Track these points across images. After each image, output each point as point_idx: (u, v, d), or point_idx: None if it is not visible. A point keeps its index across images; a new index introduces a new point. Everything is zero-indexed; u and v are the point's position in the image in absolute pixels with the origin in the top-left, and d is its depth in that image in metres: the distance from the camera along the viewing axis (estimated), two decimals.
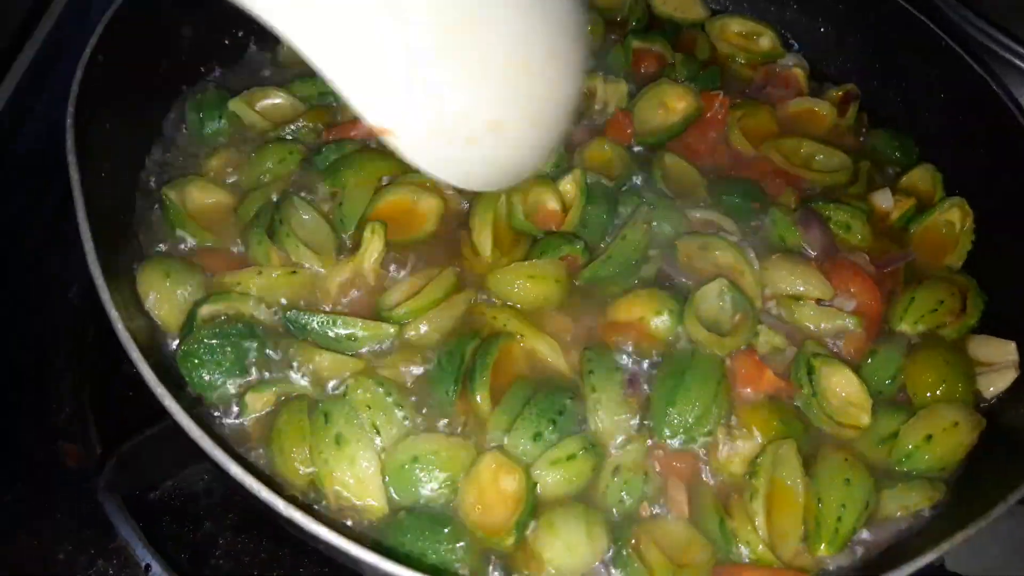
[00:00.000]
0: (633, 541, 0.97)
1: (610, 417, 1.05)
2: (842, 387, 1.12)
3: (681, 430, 1.05)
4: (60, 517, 1.16)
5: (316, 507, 0.98)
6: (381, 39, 0.81)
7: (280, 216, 1.15)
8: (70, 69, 1.07)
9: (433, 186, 1.22)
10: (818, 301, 1.20)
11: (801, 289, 1.20)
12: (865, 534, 1.04)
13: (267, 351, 1.07)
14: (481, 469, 0.98)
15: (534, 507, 0.98)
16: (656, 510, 1.02)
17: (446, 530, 0.95)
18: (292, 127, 1.30)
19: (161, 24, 1.28)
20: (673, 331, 1.14)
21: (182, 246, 1.17)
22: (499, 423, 1.02)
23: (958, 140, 1.43)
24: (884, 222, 1.37)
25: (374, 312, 1.11)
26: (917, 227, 1.36)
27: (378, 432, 1.01)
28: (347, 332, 1.07)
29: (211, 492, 1.17)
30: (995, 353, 1.20)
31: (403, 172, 1.22)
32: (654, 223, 1.23)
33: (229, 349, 1.04)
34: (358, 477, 0.97)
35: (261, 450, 1.02)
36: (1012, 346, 1.20)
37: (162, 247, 1.17)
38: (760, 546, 0.98)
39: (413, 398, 1.06)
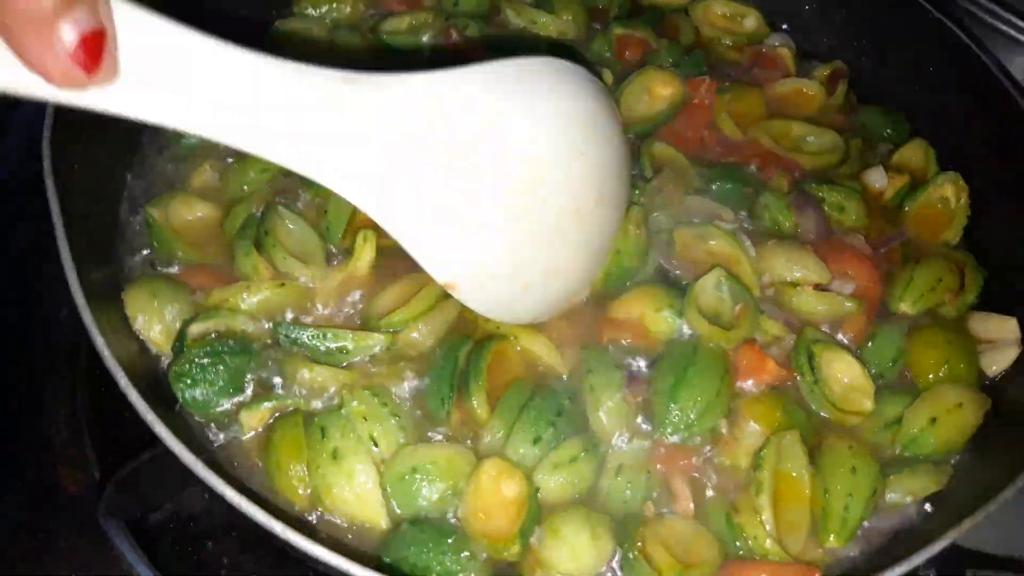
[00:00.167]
0: (639, 543, 0.96)
1: (611, 417, 1.04)
2: (844, 373, 1.11)
3: (683, 426, 1.03)
4: (63, 543, 1.15)
5: (316, 524, 0.97)
6: (450, 204, 0.87)
7: (265, 227, 1.14)
8: None
9: None
10: (816, 286, 1.18)
11: (798, 275, 1.18)
12: (873, 522, 1.02)
13: (260, 367, 1.06)
14: (481, 476, 0.97)
15: (537, 513, 0.97)
16: (661, 509, 1.01)
17: (449, 541, 0.94)
18: None
19: None
20: (674, 327, 1.12)
21: (169, 265, 1.15)
22: (497, 428, 1.01)
23: (949, 114, 1.41)
24: (878, 201, 1.35)
25: (364, 321, 1.10)
26: (912, 204, 1.34)
27: (375, 444, 0.99)
28: (338, 345, 1.05)
29: (212, 512, 1.16)
30: (996, 330, 1.19)
31: None
32: (653, 214, 1.21)
33: (221, 367, 1.03)
34: (357, 492, 0.96)
35: (260, 466, 1.01)
36: (1013, 322, 1.18)
37: (148, 267, 1.15)
38: (768, 541, 0.96)
39: (409, 407, 1.04)
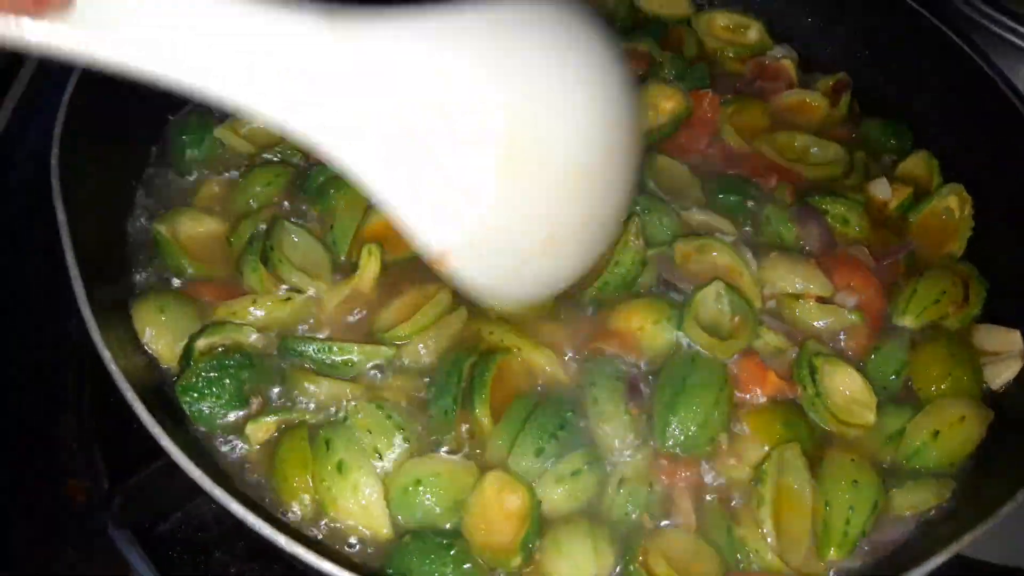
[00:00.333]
0: (641, 556, 0.96)
1: (613, 428, 1.04)
2: (846, 385, 1.11)
3: (683, 438, 1.04)
4: (73, 553, 1.16)
5: (321, 536, 0.98)
6: (443, 164, 0.79)
7: (272, 242, 1.15)
8: (54, 104, 1.07)
9: None
10: (818, 299, 1.19)
11: (800, 287, 1.19)
12: (874, 536, 1.02)
13: (266, 380, 1.07)
14: (484, 488, 0.98)
15: (539, 525, 0.97)
16: (663, 521, 1.01)
17: (452, 552, 0.94)
18: (278, 148, 1.30)
19: None
20: (673, 338, 1.13)
21: (177, 279, 1.16)
22: (501, 440, 1.02)
23: (953, 124, 1.42)
24: (882, 212, 1.36)
25: (369, 334, 1.11)
26: (916, 216, 1.35)
27: (380, 456, 1.00)
28: (343, 358, 1.06)
29: (220, 521, 1.17)
30: (1000, 342, 1.19)
31: None
32: (648, 229, 1.22)
33: (228, 381, 1.04)
34: (361, 504, 0.97)
35: (266, 478, 1.03)
36: (1017, 335, 1.18)
37: (156, 281, 1.16)
38: (769, 554, 0.97)
39: (414, 419, 1.05)
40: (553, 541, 0.96)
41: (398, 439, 1.02)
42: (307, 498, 0.99)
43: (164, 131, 1.32)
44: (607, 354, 1.11)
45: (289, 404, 1.06)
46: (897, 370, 1.15)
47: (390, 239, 1.18)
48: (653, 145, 1.38)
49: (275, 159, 1.29)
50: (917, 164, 1.42)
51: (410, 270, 1.17)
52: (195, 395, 1.03)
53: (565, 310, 1.15)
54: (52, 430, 1.25)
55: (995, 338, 1.20)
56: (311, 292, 1.13)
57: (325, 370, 1.07)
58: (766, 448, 1.05)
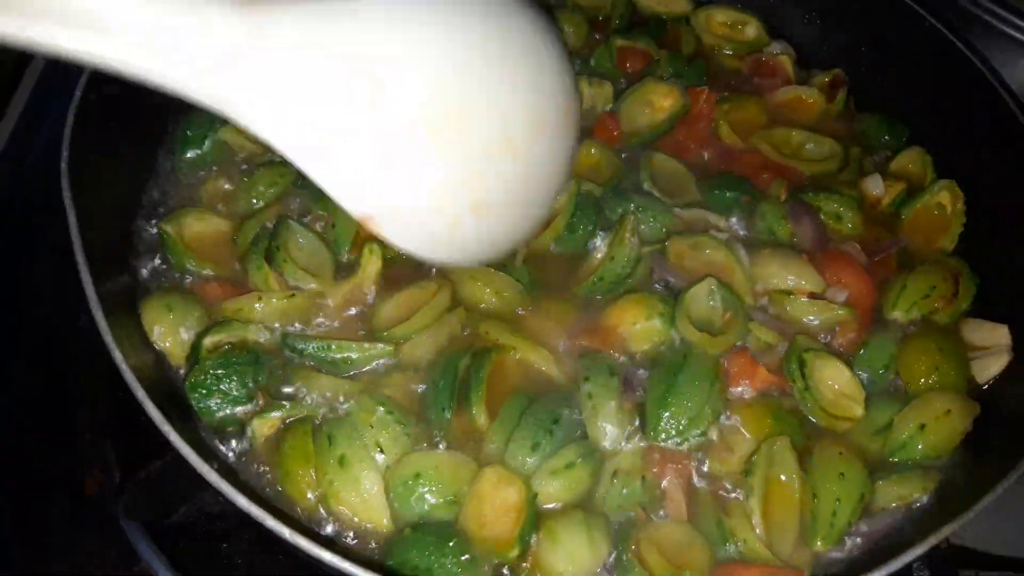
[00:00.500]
0: (633, 546, 0.99)
1: (607, 423, 1.07)
2: (834, 379, 1.14)
3: (675, 432, 1.07)
4: (85, 544, 1.20)
5: (323, 527, 1.02)
6: (358, 130, 0.81)
7: (277, 242, 1.18)
8: (63, 105, 1.09)
9: None
10: (810, 294, 1.21)
11: (792, 283, 1.21)
12: (861, 526, 1.05)
13: (271, 377, 1.10)
14: (482, 482, 1.01)
15: (536, 517, 1.00)
16: (655, 512, 1.04)
17: (451, 544, 0.98)
18: None
19: None
20: (666, 334, 1.15)
21: (184, 278, 1.19)
22: (497, 436, 1.05)
23: (947, 121, 1.43)
24: (875, 208, 1.38)
25: (369, 332, 1.14)
26: (908, 212, 1.37)
27: (381, 450, 1.03)
28: (343, 355, 1.09)
29: (227, 514, 1.20)
30: (988, 337, 1.21)
31: None
32: (642, 227, 1.25)
33: (234, 377, 1.07)
34: (363, 497, 1.00)
35: (271, 472, 1.06)
36: (1005, 329, 1.20)
37: (164, 279, 1.19)
38: (758, 544, 1.00)
39: (413, 415, 1.08)
40: (549, 532, 0.99)
41: (399, 433, 1.05)
42: (310, 491, 1.02)
43: (171, 132, 1.35)
44: (601, 350, 1.14)
45: (293, 400, 1.09)
46: (886, 364, 1.18)
47: None
48: (650, 143, 1.40)
49: (279, 159, 1.30)
50: (911, 160, 1.44)
51: (410, 269, 1.20)
52: (203, 392, 1.06)
53: (559, 307, 1.19)
54: (66, 425, 1.28)
55: (983, 333, 1.22)
56: (314, 290, 1.16)
57: (325, 367, 1.10)
58: (756, 441, 1.08)
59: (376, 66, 0.80)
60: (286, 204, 1.27)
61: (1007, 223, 1.30)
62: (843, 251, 1.28)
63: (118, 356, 0.94)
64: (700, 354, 1.12)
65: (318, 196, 1.26)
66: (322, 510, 1.02)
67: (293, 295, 1.15)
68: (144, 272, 1.20)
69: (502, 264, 1.19)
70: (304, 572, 1.16)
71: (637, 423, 1.09)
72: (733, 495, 1.06)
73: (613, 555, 1.00)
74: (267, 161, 1.31)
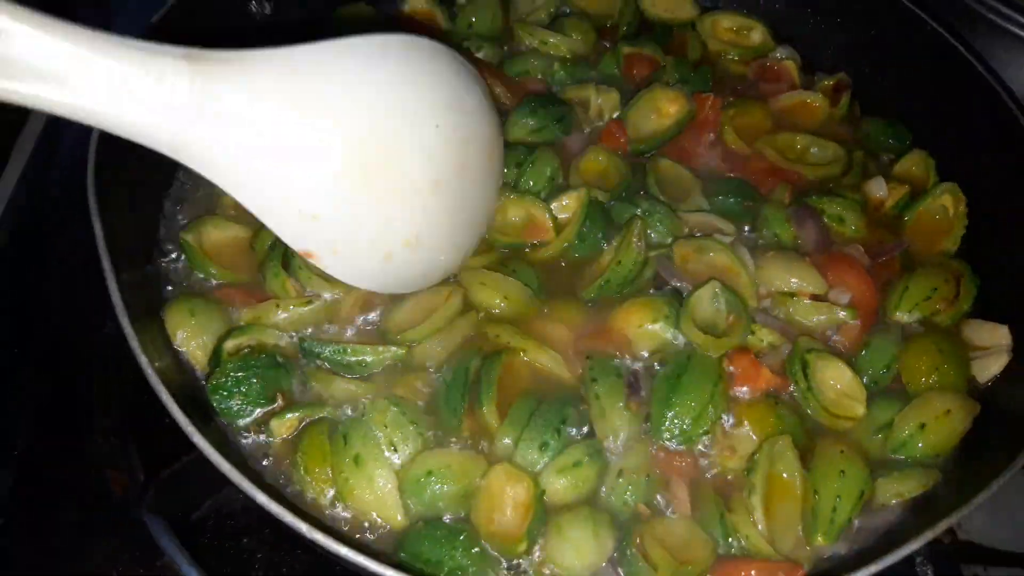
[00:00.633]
0: (638, 540, 1.03)
1: (613, 423, 1.10)
2: (836, 379, 1.16)
3: (679, 432, 1.10)
4: (111, 540, 1.24)
5: (338, 522, 1.05)
6: (298, 174, 0.89)
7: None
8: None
9: None
10: (813, 296, 1.24)
11: (795, 285, 1.24)
12: (862, 522, 1.08)
13: (289, 379, 1.14)
14: (492, 480, 1.04)
15: (543, 513, 1.04)
16: (659, 509, 1.07)
17: (461, 538, 1.01)
18: None
19: None
20: (671, 336, 1.18)
21: (204, 284, 1.24)
22: (507, 436, 1.08)
23: (950, 125, 1.45)
24: (879, 211, 1.40)
25: (382, 336, 1.18)
26: (911, 214, 1.39)
27: (395, 450, 1.07)
28: (357, 359, 1.13)
29: (248, 510, 1.25)
30: (989, 337, 1.23)
31: None
32: (648, 231, 1.28)
33: (254, 380, 1.11)
34: (377, 494, 1.04)
35: (289, 470, 1.10)
36: (1005, 330, 1.23)
37: (185, 285, 1.24)
38: (759, 539, 1.02)
39: (426, 415, 1.11)
40: (556, 528, 1.03)
41: (412, 433, 1.08)
42: (326, 489, 1.06)
43: None
44: (608, 352, 1.17)
45: (310, 401, 1.13)
46: (888, 364, 1.20)
47: None
48: (656, 148, 1.43)
49: None
50: (914, 163, 1.46)
51: None
52: (224, 393, 1.10)
53: (567, 310, 1.22)
54: (92, 426, 1.33)
55: (984, 333, 1.24)
56: (328, 296, 1.20)
57: (341, 370, 1.14)
58: (759, 440, 1.10)
59: (316, 117, 0.88)
60: None
61: (1008, 225, 1.32)
62: (846, 254, 1.31)
63: (144, 360, 0.98)
64: (704, 356, 1.15)
65: None
66: (338, 507, 1.06)
67: (309, 301, 1.19)
68: (167, 278, 1.24)
69: (512, 269, 1.22)
70: (321, 567, 1.20)
71: (642, 423, 1.12)
72: (736, 492, 1.08)
73: (618, 550, 1.03)
74: None
